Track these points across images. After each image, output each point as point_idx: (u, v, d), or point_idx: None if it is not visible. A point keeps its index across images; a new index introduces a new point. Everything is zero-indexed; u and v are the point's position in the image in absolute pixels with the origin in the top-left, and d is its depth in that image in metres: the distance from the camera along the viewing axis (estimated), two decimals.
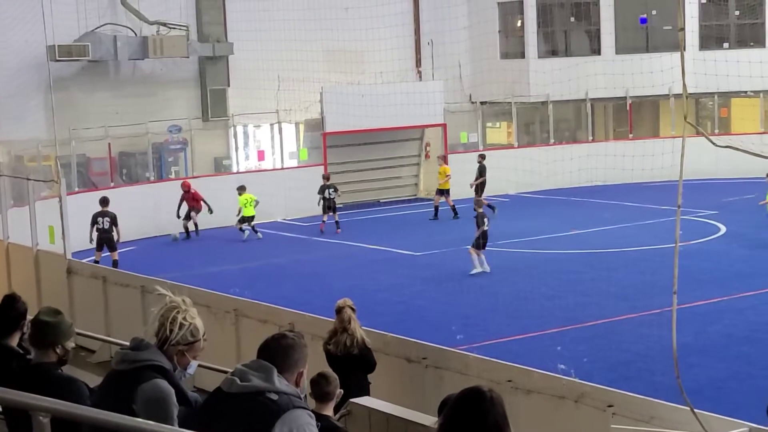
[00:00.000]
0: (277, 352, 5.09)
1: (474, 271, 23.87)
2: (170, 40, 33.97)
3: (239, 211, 30.26)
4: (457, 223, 31.13)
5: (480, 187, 32.69)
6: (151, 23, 34.09)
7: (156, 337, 5.53)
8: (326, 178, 31.44)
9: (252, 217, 30.28)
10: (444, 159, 33.89)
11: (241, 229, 30.25)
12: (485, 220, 24.48)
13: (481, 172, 33.20)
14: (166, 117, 34.17)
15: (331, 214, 30.83)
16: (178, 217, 31.06)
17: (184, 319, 5.51)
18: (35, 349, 6.59)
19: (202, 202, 31.19)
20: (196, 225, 31.34)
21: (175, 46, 33.97)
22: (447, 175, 32.93)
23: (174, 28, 34.35)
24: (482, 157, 33.68)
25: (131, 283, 17.89)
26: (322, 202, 30.81)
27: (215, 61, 35.61)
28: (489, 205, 31.86)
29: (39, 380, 6.10)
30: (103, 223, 25.05)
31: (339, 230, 30.45)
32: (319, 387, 9.05)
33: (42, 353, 6.47)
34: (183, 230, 31.13)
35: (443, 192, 32.82)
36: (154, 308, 5.67)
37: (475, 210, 24.87)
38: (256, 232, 30.27)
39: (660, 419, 9.48)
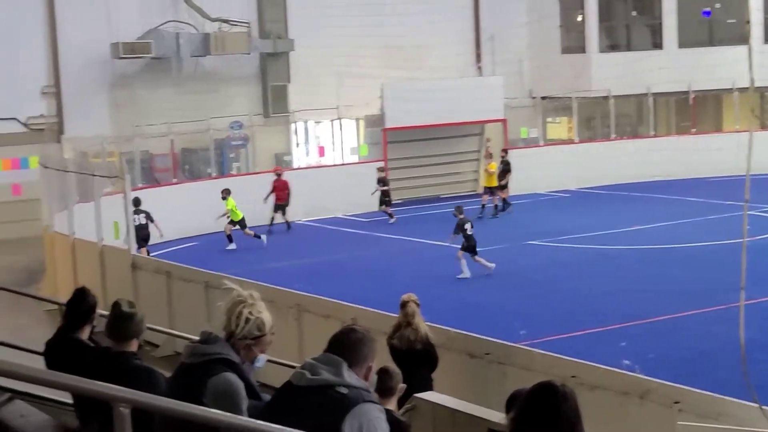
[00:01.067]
0: (347, 345, 5.10)
1: (461, 276, 23.21)
2: (232, 37, 34.20)
3: (227, 215, 28.85)
4: (517, 217, 30.99)
5: (502, 181, 32.21)
6: (213, 20, 34.34)
7: (224, 331, 5.58)
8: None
9: (243, 220, 28.76)
10: (491, 156, 32.90)
11: (229, 236, 28.71)
12: (466, 226, 23.68)
13: (506, 167, 32.56)
14: (228, 113, 34.39)
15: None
16: (265, 201, 30.97)
17: (251, 313, 5.55)
18: (115, 341, 6.69)
19: (288, 195, 31.17)
20: (287, 222, 31.25)
21: (236, 43, 34.19)
22: (491, 172, 32.01)
23: (236, 25, 34.58)
24: (505, 152, 33.27)
25: (195, 278, 18.05)
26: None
27: (276, 57, 35.78)
28: (505, 201, 31.75)
29: (120, 368, 6.19)
30: (138, 219, 25.11)
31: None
32: (382, 382, 9.06)
33: (122, 344, 6.57)
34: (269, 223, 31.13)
35: (491, 190, 31.98)
36: (222, 302, 5.72)
37: (455, 215, 24.13)
38: (258, 237, 28.85)
39: (727, 416, 9.39)
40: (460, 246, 23.81)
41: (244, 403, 5.38)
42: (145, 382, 5.93)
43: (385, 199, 31.69)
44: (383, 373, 9.16)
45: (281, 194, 31.17)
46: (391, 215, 31.55)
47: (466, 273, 23.33)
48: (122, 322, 6.58)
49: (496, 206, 31.90)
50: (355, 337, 5.15)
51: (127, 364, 6.39)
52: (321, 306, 15.11)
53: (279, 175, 31.59)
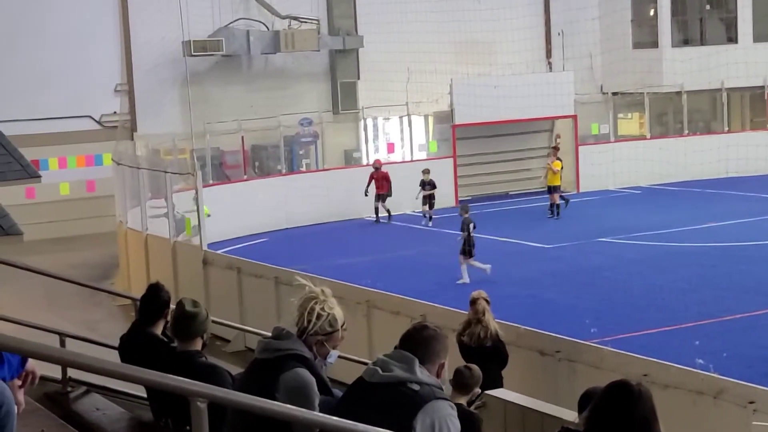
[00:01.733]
0: (419, 342, 5.10)
1: (460, 281, 22.38)
2: (301, 34, 34.37)
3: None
4: (588, 214, 30.74)
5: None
6: (283, 17, 34.53)
7: (296, 327, 5.60)
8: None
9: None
10: (555, 153, 31.95)
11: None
12: (470, 225, 22.97)
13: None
14: (298, 110, 34.57)
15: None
16: (366, 194, 31.51)
17: (323, 309, 5.58)
18: (179, 340, 6.76)
19: (388, 187, 31.61)
20: (388, 211, 31.69)
21: (306, 40, 34.35)
22: (556, 171, 30.98)
23: (305, 22, 34.74)
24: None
25: (265, 274, 18.18)
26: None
27: (345, 54, 35.89)
28: (563, 197, 31.21)
29: (185, 367, 6.23)
30: None
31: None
32: (462, 376, 9.10)
33: (187, 343, 6.62)
34: (374, 214, 31.74)
35: (554, 189, 30.88)
36: (294, 298, 5.75)
37: (460, 215, 23.58)
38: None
39: None
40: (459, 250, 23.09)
41: (317, 398, 5.40)
42: (210, 379, 5.97)
43: (431, 201, 30.95)
44: (467, 368, 9.21)
45: (382, 185, 31.69)
46: (430, 217, 30.69)
47: (466, 279, 22.47)
48: (186, 320, 6.63)
49: (551, 205, 30.87)
50: (427, 333, 5.14)
51: (192, 363, 6.43)
52: (390, 302, 15.14)
53: (377, 168, 31.98)
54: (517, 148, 36.53)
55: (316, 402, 5.40)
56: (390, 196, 31.68)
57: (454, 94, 34.86)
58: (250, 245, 28.64)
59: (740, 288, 20.96)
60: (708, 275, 22.40)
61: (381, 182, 31.68)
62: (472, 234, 22.98)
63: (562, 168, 31.43)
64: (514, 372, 11.98)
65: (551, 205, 30.85)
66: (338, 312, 5.65)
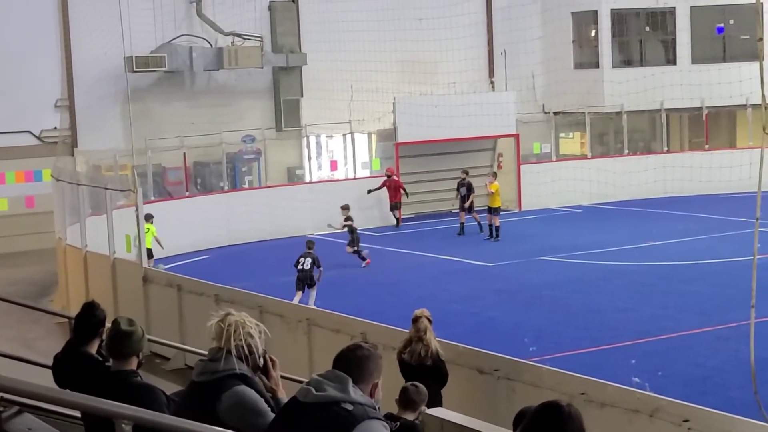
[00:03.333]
0: (353, 362, 5.10)
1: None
2: (245, 51, 34.30)
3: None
4: (530, 233, 30.91)
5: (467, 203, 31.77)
6: (226, 34, 34.46)
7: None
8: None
9: (150, 251, 25.12)
10: (495, 175, 31.93)
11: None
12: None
13: (469, 188, 32.01)
14: (240, 127, 34.51)
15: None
16: (369, 192, 33.05)
17: (240, 337, 5.57)
18: (114, 359, 6.69)
19: (401, 195, 33.07)
20: (397, 219, 33.16)
21: (249, 57, 34.29)
22: (491, 192, 30.80)
23: (248, 39, 34.69)
24: (466, 173, 32.62)
25: (206, 291, 18.06)
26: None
27: (289, 71, 35.87)
28: (479, 223, 31.34)
29: (119, 388, 6.18)
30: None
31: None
32: (408, 394, 9.13)
33: (122, 362, 6.57)
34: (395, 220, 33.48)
35: (494, 210, 30.72)
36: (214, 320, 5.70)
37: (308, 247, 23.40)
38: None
39: None
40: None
41: (269, 410, 5.42)
42: (145, 399, 5.92)
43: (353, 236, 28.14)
44: (413, 386, 9.24)
45: (394, 194, 33.10)
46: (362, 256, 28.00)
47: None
48: (121, 340, 6.56)
49: (490, 227, 30.81)
50: (361, 353, 5.14)
51: (126, 382, 6.37)
52: (331, 320, 15.10)
53: (389, 176, 33.27)
54: (460, 167, 36.65)
55: (270, 412, 5.42)
56: (408, 196, 33.46)
57: (397, 112, 35.00)
58: (191, 262, 28.50)
59: (678, 307, 21.19)
60: (647, 294, 22.61)
61: (394, 191, 33.09)
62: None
63: (497, 191, 31.28)
64: (453, 390, 11.99)
65: (490, 227, 30.77)
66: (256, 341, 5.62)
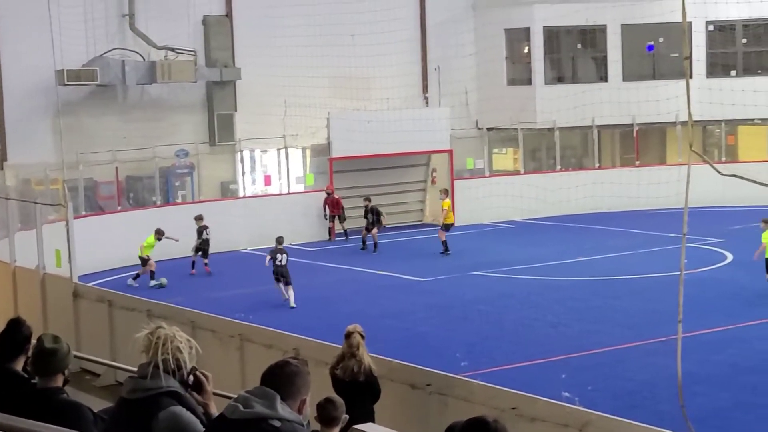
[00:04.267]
0: (281, 378, 5.08)
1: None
2: (178, 65, 34.12)
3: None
4: (463, 248, 31.04)
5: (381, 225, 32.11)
6: (160, 48, 34.24)
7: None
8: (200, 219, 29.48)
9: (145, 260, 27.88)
10: (446, 193, 32.29)
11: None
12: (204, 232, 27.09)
13: (376, 213, 32.16)
14: (174, 141, 34.26)
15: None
16: (325, 218, 34.08)
17: (168, 351, 5.47)
18: (40, 376, 6.60)
19: (341, 210, 33.76)
20: (345, 231, 33.78)
21: (182, 71, 34.11)
22: (448, 209, 31.23)
23: (182, 53, 34.50)
24: (368, 199, 32.68)
25: (137, 306, 17.90)
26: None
27: (223, 86, 35.74)
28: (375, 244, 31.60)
29: (44, 405, 6.09)
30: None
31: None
32: (326, 411, 9.06)
33: (47, 379, 6.47)
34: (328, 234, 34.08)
35: (446, 227, 31.03)
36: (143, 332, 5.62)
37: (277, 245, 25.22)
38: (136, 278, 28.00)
39: None
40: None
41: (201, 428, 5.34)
42: (71, 417, 5.84)
43: (204, 249, 29.44)
44: (328, 402, 9.16)
45: (334, 210, 33.87)
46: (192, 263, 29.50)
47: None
48: (46, 356, 6.47)
49: (365, 242, 32.06)
50: (290, 370, 5.12)
51: (52, 400, 6.28)
52: (263, 336, 15.03)
53: (329, 193, 33.94)
54: (394, 182, 36.80)
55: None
56: (344, 219, 33.89)
57: (331, 127, 35.04)
58: (122, 277, 28.24)
59: (609, 321, 21.42)
60: (578, 309, 22.82)
61: (333, 207, 33.80)
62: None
63: (449, 207, 31.51)
64: (386, 406, 12.01)
65: (444, 243, 30.68)
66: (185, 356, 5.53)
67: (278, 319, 20.19)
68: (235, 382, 14.10)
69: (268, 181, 36.94)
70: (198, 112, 35.81)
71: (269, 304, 24.47)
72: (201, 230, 29.34)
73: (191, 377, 5.52)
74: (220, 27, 35.79)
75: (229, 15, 35.94)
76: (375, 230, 31.83)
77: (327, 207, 34.14)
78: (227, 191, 35.67)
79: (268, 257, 24.97)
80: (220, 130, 35.61)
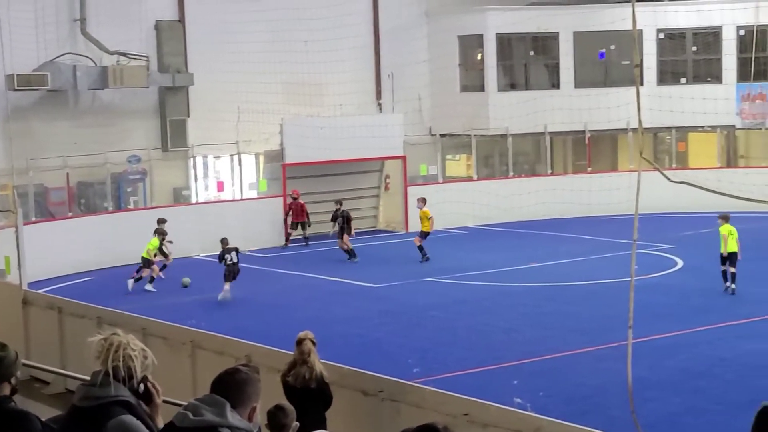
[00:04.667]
0: (231, 386, 5.06)
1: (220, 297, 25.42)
2: (130, 71, 33.87)
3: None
4: (416, 254, 31.08)
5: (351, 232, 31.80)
6: (111, 53, 33.98)
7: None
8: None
9: (146, 261, 27.90)
10: (423, 201, 31.81)
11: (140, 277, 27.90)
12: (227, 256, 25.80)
13: (345, 218, 31.73)
14: (126, 147, 34.01)
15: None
16: (285, 221, 34.07)
17: (122, 359, 5.42)
18: None
19: (305, 215, 33.68)
20: (306, 237, 33.80)
21: (135, 77, 33.87)
22: (429, 218, 30.97)
23: (134, 59, 34.26)
24: (340, 203, 32.61)
25: (87, 314, 17.76)
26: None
27: (175, 91, 35.53)
28: (350, 252, 31.24)
29: None
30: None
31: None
32: (276, 419, 9.03)
33: None
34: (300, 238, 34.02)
35: (426, 235, 30.86)
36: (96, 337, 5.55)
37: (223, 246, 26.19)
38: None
39: None
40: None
41: None
42: (18, 426, 5.77)
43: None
44: (278, 410, 9.13)
45: (299, 214, 33.72)
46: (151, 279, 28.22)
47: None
48: None
49: (350, 252, 31.15)
50: (240, 377, 5.10)
51: (1, 408, 6.20)
52: (215, 342, 14.96)
53: (295, 198, 33.74)
54: (348, 188, 36.78)
55: None
56: (309, 225, 33.91)
57: (284, 133, 34.97)
58: (73, 284, 28.01)
59: (561, 327, 21.53)
60: (530, 315, 22.93)
61: (298, 212, 33.64)
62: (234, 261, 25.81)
63: (425, 215, 31.12)
64: (338, 413, 11.99)
65: (420, 248, 30.54)
66: (138, 363, 5.47)
67: (230, 326, 20.09)
68: (187, 389, 14.02)
69: (220, 187, 36.79)
70: (150, 118, 35.57)
71: (221, 310, 24.36)
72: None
73: (141, 386, 5.46)
74: (173, 32, 35.60)
75: (181, 20, 35.76)
76: (345, 237, 31.44)
77: (291, 212, 34.00)
78: (180, 197, 35.47)
79: (221, 259, 25.85)
80: (173, 135, 35.39)
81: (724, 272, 24.36)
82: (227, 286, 25.58)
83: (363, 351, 19.58)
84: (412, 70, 38.87)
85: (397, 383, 12.32)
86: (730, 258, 24.18)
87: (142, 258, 27.80)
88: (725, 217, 24.64)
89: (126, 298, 25.34)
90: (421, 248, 30.53)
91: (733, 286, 24.03)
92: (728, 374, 17.77)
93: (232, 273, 25.63)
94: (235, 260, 25.74)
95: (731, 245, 24.19)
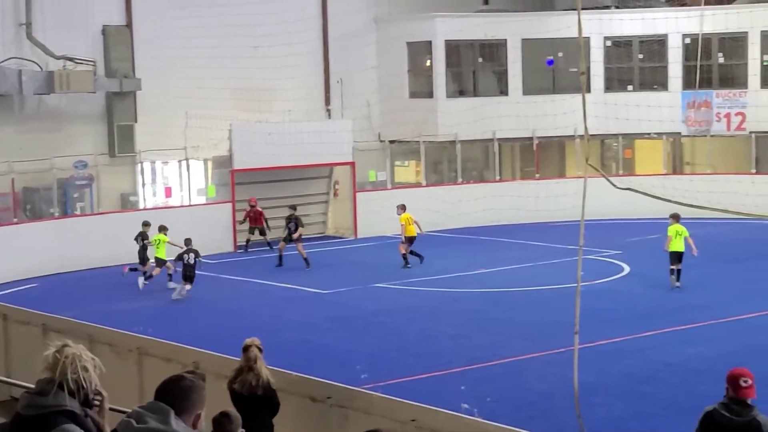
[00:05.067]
0: (175, 393, 5.03)
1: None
2: (77, 75, 33.58)
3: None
4: (365, 260, 31.10)
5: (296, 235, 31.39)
6: (58, 58, 33.67)
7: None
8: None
9: (159, 260, 28.20)
10: (403, 208, 31.34)
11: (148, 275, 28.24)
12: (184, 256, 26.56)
13: (297, 223, 31.56)
14: (72, 152, 33.68)
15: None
16: (240, 222, 34.15)
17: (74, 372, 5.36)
18: None
19: (263, 221, 34.00)
20: (269, 243, 33.75)
21: (81, 81, 33.58)
22: (412, 222, 30.76)
23: (81, 63, 33.97)
24: (294, 208, 32.23)
25: (32, 320, 17.57)
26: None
27: (123, 96, 35.27)
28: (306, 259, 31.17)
29: None
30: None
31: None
32: (222, 426, 9.00)
33: None
34: (245, 243, 34.18)
35: (411, 240, 30.60)
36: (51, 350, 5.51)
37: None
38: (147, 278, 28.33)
39: None
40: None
41: None
42: None
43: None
44: (223, 416, 9.11)
45: (257, 220, 34.01)
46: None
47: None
48: None
49: (405, 256, 30.58)
50: (184, 384, 5.07)
51: None
52: (162, 349, 14.88)
53: (253, 206, 33.89)
54: (296, 194, 36.66)
55: None
56: (269, 230, 34.05)
57: (233, 139, 34.84)
58: (18, 291, 27.73)
59: (508, 333, 21.64)
60: (478, 320, 23.02)
61: (255, 220, 33.94)
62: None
63: (414, 221, 30.87)
64: (286, 419, 11.96)
65: (404, 255, 30.27)
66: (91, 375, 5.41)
67: (178, 333, 19.98)
68: (133, 396, 13.91)
69: (168, 192, 36.56)
70: (97, 123, 35.27)
71: (169, 316, 24.22)
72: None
73: (93, 396, 5.42)
74: (120, 37, 35.34)
75: (129, 25, 35.50)
76: (300, 245, 31.18)
77: (248, 219, 34.11)
78: (127, 203, 35.21)
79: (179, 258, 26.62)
80: (120, 141, 35.12)
81: (672, 270, 25.40)
82: (186, 285, 26.19)
83: (311, 357, 19.55)
84: (361, 77, 38.90)
85: (345, 389, 12.32)
86: (673, 256, 25.44)
87: (157, 258, 28.11)
88: (675, 216, 25.56)
89: (71, 305, 25.05)
90: (405, 256, 30.18)
91: (678, 283, 25.30)
92: (673, 379, 17.95)
93: (186, 274, 26.16)
94: (191, 262, 26.17)
95: (675, 245, 25.42)
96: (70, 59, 33.80)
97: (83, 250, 31.06)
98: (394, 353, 20.24)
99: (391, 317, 23.56)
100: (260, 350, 12.04)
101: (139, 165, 35.51)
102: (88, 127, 34.89)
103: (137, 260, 29.05)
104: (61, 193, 33.48)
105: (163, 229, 28.48)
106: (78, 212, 33.78)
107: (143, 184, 35.90)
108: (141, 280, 28.02)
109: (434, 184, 39.45)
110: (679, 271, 25.43)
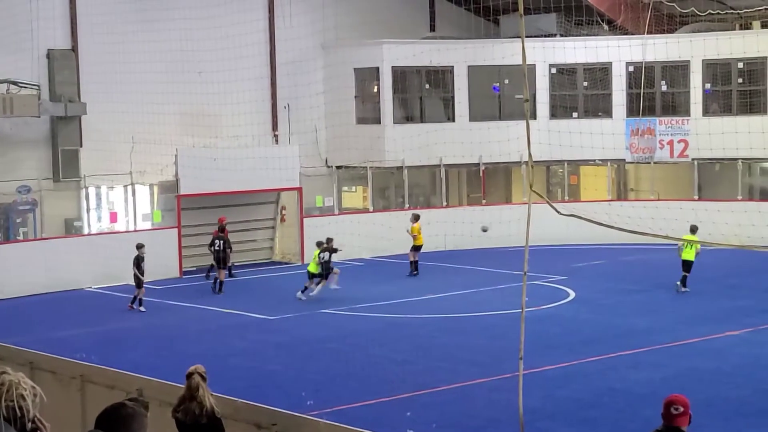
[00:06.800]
0: (116, 421, 4.98)
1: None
2: (21, 99, 33.30)
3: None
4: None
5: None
6: (1, 82, 33.37)
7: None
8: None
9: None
10: (416, 217, 34.63)
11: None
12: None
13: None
14: (16, 177, 33.37)
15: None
16: (209, 248, 32.18)
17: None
18: None
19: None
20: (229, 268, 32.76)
21: (25, 106, 33.30)
22: (417, 233, 34.00)
23: (25, 87, 33.70)
24: (222, 229, 32.38)
25: None
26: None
27: (67, 121, 35.00)
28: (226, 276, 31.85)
29: None
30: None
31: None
32: None
33: None
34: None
35: (415, 248, 33.72)
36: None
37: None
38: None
39: None
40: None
41: None
42: None
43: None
44: None
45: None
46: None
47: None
48: None
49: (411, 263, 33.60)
50: (125, 412, 5.04)
51: None
52: (105, 376, 14.69)
53: (221, 229, 32.69)
54: (243, 219, 36.58)
55: None
56: (231, 250, 32.38)
57: (179, 164, 34.65)
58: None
59: (454, 359, 21.65)
60: (424, 346, 23.01)
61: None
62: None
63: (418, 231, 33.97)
64: None
65: (412, 263, 33.50)
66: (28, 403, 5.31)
67: (122, 359, 19.79)
68: (76, 424, 13.76)
69: (114, 218, 36.28)
70: (41, 148, 34.96)
71: (112, 343, 23.98)
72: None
73: (30, 425, 5.34)
74: (65, 61, 35.10)
75: (74, 49, 35.30)
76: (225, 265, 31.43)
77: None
78: (71, 228, 34.89)
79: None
80: (65, 166, 34.83)
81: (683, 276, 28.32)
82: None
83: (257, 384, 19.44)
84: (309, 102, 38.94)
85: (291, 416, 12.23)
86: (684, 264, 28.24)
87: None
88: (693, 229, 28.59)
89: (14, 330, 24.71)
90: (413, 263, 33.38)
91: (684, 289, 28.29)
92: (618, 404, 18.05)
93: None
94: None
95: (687, 254, 28.08)
96: (14, 83, 33.52)
97: (26, 276, 30.71)
98: (341, 379, 20.18)
99: (337, 343, 23.50)
100: (204, 378, 11.91)
101: (84, 190, 35.21)
102: (32, 152, 34.57)
103: (134, 283, 28.69)
104: (4, 218, 33.17)
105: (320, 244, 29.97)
106: (21, 237, 33.42)
107: (88, 210, 35.59)
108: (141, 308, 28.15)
109: (381, 209, 39.53)
110: (685, 277, 28.12)
